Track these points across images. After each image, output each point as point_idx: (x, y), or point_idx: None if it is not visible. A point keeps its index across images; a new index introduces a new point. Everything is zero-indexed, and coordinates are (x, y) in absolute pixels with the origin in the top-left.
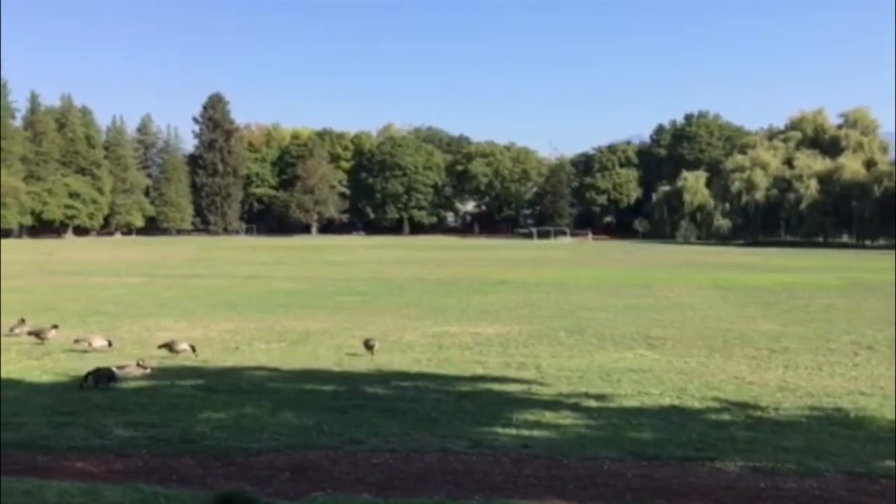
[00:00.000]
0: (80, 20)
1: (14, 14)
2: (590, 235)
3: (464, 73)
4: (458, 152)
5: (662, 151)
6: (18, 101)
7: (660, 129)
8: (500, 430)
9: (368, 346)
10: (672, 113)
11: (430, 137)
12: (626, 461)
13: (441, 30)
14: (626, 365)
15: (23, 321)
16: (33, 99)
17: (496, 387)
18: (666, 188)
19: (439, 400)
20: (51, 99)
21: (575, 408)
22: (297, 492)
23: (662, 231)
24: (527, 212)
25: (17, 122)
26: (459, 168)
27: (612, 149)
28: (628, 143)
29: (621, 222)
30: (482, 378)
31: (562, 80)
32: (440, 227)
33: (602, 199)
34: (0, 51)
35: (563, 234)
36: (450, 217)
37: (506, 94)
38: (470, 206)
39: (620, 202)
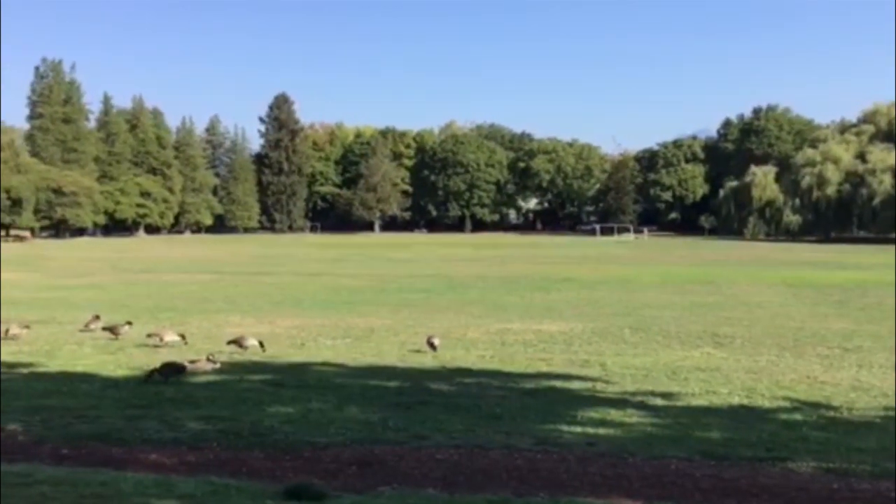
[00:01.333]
0: (150, 24)
1: (86, 20)
2: (645, 232)
3: (526, 70)
4: (521, 149)
5: (730, 146)
6: (92, 104)
7: (727, 124)
8: (564, 427)
9: (432, 343)
10: (740, 107)
11: (493, 134)
12: (694, 461)
13: (503, 28)
14: (692, 363)
15: (97, 317)
16: (106, 101)
17: (560, 384)
18: (733, 184)
19: (503, 397)
20: (123, 101)
21: (641, 406)
22: (364, 486)
23: (730, 227)
24: (589, 209)
25: (91, 124)
26: (521, 165)
27: (677, 144)
28: (694, 137)
29: (687, 219)
30: (546, 375)
31: (626, 76)
32: (502, 225)
33: (667, 196)
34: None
35: (627, 230)
36: (512, 214)
37: (569, 91)
38: (532, 203)
39: (686, 198)
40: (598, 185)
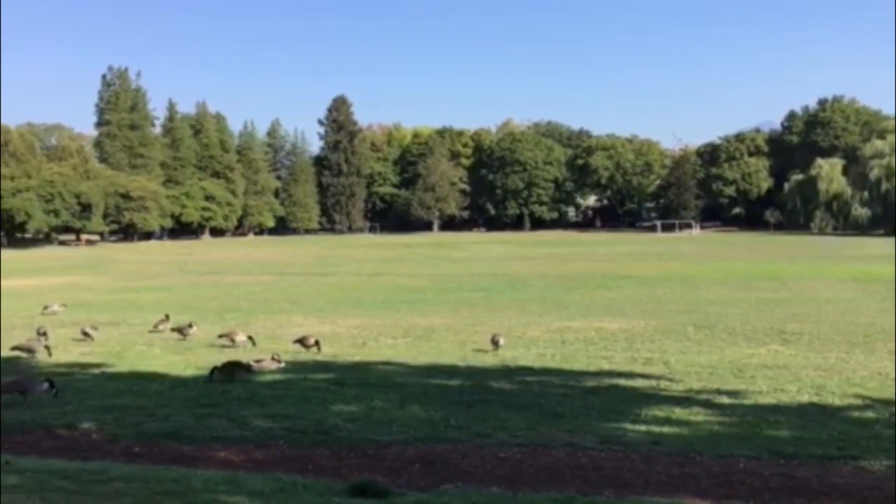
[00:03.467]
0: (212, 31)
1: (151, 29)
2: (696, 227)
3: (584, 67)
4: (579, 146)
5: (794, 139)
6: (157, 110)
7: (791, 116)
8: (628, 426)
9: (494, 341)
10: (804, 98)
11: (550, 132)
12: (762, 459)
13: (559, 26)
14: (759, 361)
15: (167, 318)
16: (171, 107)
17: (623, 382)
18: (799, 177)
19: (565, 395)
20: (187, 107)
21: (707, 404)
22: (428, 483)
23: (795, 222)
24: (650, 205)
25: (157, 130)
26: (580, 162)
27: (739, 138)
28: (757, 130)
29: (751, 213)
30: (608, 373)
31: (685, 70)
32: (561, 223)
33: (730, 190)
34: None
35: (689, 227)
36: (570, 212)
37: (627, 87)
38: (591, 200)
39: (749, 193)
40: (658, 181)
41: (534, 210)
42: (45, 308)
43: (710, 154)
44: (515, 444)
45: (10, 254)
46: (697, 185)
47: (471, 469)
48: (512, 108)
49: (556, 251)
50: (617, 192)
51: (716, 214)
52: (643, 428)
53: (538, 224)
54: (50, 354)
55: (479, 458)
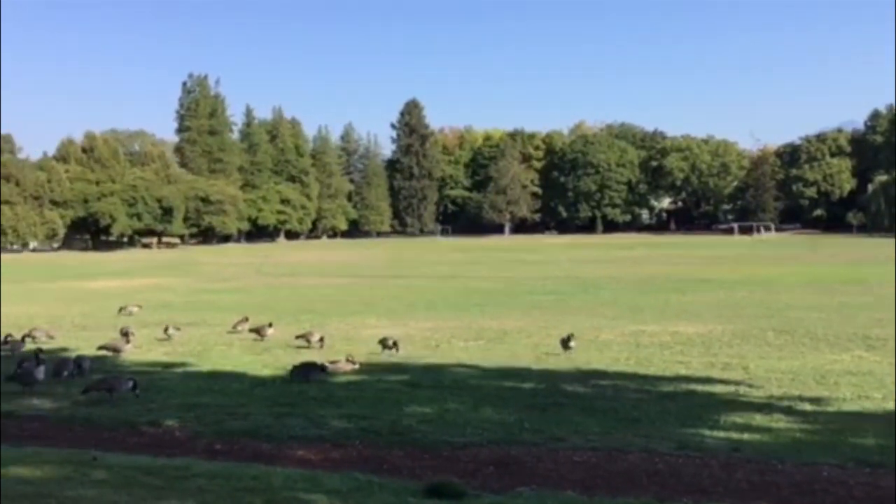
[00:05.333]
0: (288, 38)
1: (228, 36)
2: (761, 230)
3: (658, 68)
4: (653, 148)
5: (879, 138)
6: (235, 116)
7: (875, 115)
8: (706, 431)
9: (565, 344)
10: (889, 97)
11: (624, 134)
12: (847, 468)
13: (632, 28)
14: (842, 367)
15: (246, 319)
16: (248, 113)
17: (700, 388)
18: (883, 178)
19: (640, 399)
20: (264, 112)
21: (788, 411)
22: (502, 486)
23: (879, 224)
24: (727, 207)
25: (235, 135)
26: (654, 164)
27: (821, 137)
28: (839, 130)
29: (832, 216)
30: (685, 378)
31: (764, 69)
32: (634, 225)
33: (811, 192)
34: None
35: (768, 229)
36: (644, 214)
37: (703, 87)
38: (666, 202)
39: (831, 194)
40: (735, 183)
41: (606, 212)
42: (122, 309)
43: (790, 154)
44: (590, 448)
45: (95, 256)
46: (776, 186)
47: (545, 472)
48: (585, 110)
49: (629, 254)
50: (692, 194)
51: (796, 216)
52: (722, 434)
53: (611, 227)
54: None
55: (554, 462)
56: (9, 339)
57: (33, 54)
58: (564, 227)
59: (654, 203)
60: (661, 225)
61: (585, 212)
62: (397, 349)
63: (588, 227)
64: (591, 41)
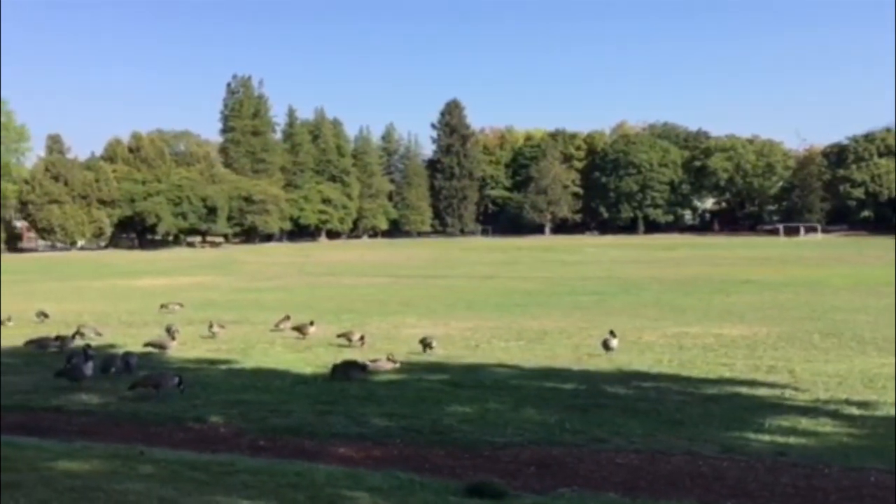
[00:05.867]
0: (329, 39)
1: (274, 39)
2: (805, 231)
3: (701, 66)
4: (696, 147)
5: None
6: (278, 117)
7: None
8: (751, 435)
9: (606, 345)
10: None
11: (666, 133)
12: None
13: (675, 25)
14: (890, 370)
15: (288, 318)
16: (291, 114)
17: (745, 390)
18: None
19: (683, 402)
20: (306, 113)
21: (835, 415)
22: (543, 486)
23: None
24: (772, 208)
25: (278, 136)
26: (697, 164)
27: (868, 137)
28: (888, 130)
29: (881, 217)
30: (729, 381)
31: (810, 68)
32: (677, 226)
33: (858, 193)
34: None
35: (814, 230)
36: (687, 215)
37: (748, 86)
38: (709, 203)
39: (879, 195)
40: (780, 183)
41: (648, 213)
42: (163, 306)
43: (837, 155)
44: (633, 450)
45: (141, 255)
46: (823, 187)
47: (587, 473)
48: (627, 110)
49: (671, 254)
50: (736, 195)
51: (842, 217)
52: (767, 438)
53: (653, 227)
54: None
55: (596, 463)
56: (59, 336)
57: (82, 57)
58: (605, 227)
59: (697, 204)
60: (704, 226)
61: (627, 212)
62: (432, 348)
63: (629, 228)
64: (634, 41)
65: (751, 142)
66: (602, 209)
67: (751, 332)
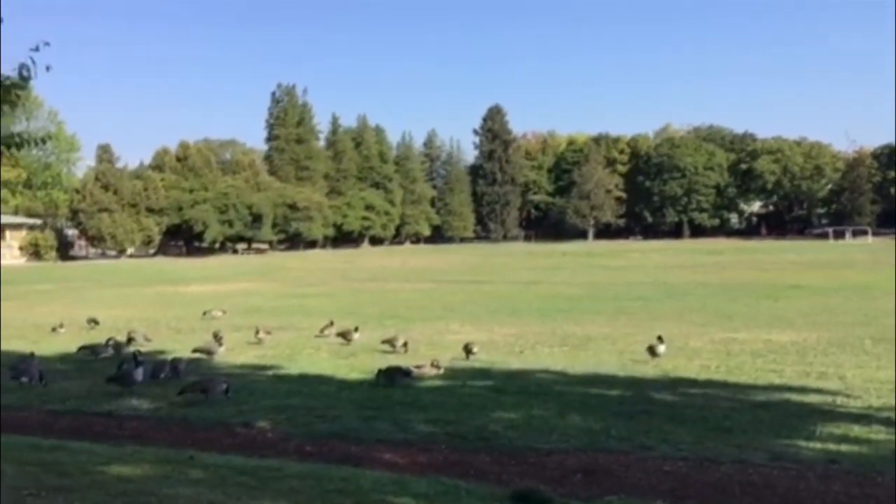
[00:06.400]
0: (371, 47)
1: (317, 48)
2: (855, 234)
3: (747, 67)
4: (742, 150)
5: None
6: (322, 124)
7: None
8: (802, 442)
9: (652, 351)
10: None
11: (712, 136)
12: None
13: (720, 26)
14: None
15: (332, 323)
16: (334, 121)
17: (795, 397)
18: None
19: (732, 408)
20: (349, 120)
21: (888, 422)
22: (590, 494)
23: None
24: (820, 211)
25: (321, 143)
26: (744, 167)
27: None
28: None
29: None
30: (778, 387)
31: (858, 68)
32: (723, 230)
33: None
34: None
35: (864, 233)
36: (733, 219)
37: (795, 87)
38: (756, 206)
39: None
40: (830, 186)
41: (693, 217)
42: (205, 313)
43: (888, 156)
44: (680, 458)
45: (188, 262)
46: (873, 189)
47: (634, 481)
48: (671, 113)
49: (718, 259)
50: (784, 198)
51: (893, 220)
52: (818, 445)
53: (698, 231)
54: (220, 344)
55: (643, 471)
56: (110, 341)
57: (131, 69)
58: (650, 232)
59: (743, 207)
60: (751, 230)
61: (672, 216)
62: (473, 354)
63: (674, 232)
64: (678, 43)
65: (798, 144)
66: (646, 214)
67: (800, 338)
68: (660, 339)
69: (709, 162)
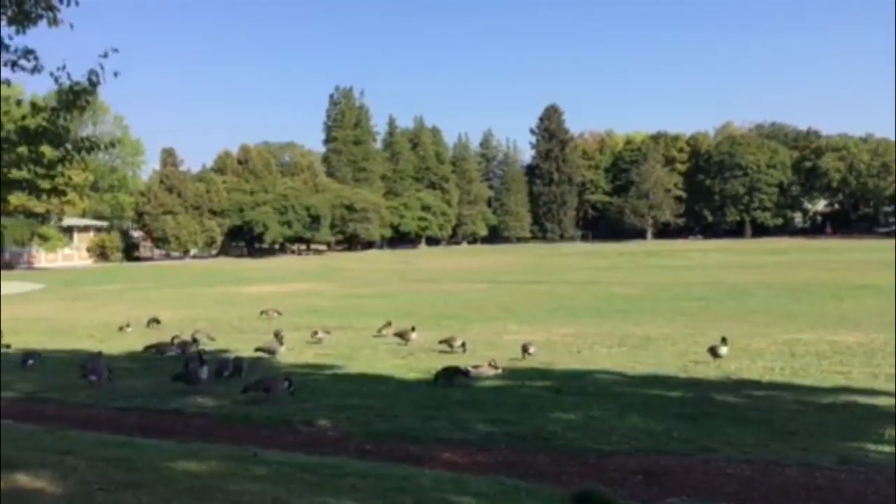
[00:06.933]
0: (429, 49)
1: (374, 50)
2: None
3: (811, 63)
4: (806, 148)
5: None
6: (379, 126)
7: None
8: (870, 446)
9: (714, 352)
10: None
11: (774, 134)
12: None
13: (781, 20)
14: None
15: (389, 324)
16: (391, 122)
17: (862, 399)
18: None
19: (797, 411)
20: (405, 121)
21: None
22: (651, 496)
23: None
24: (888, 209)
25: (378, 145)
26: (808, 165)
27: None
28: None
29: None
30: (845, 389)
31: None
32: (786, 229)
33: None
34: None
35: None
36: (797, 218)
37: (860, 83)
38: (820, 205)
39: None
40: None
41: (756, 216)
42: (263, 313)
43: None
44: (744, 461)
45: (249, 263)
46: None
47: (696, 484)
48: (732, 110)
49: (781, 259)
50: (850, 196)
51: None
52: (887, 449)
53: (760, 231)
54: (281, 344)
55: (705, 473)
56: (175, 339)
57: (194, 75)
58: (710, 231)
59: (807, 206)
60: (815, 229)
61: (733, 216)
62: (530, 354)
63: (735, 232)
64: (739, 39)
65: (864, 141)
66: (706, 213)
67: (867, 339)
68: (724, 340)
69: (771, 160)
